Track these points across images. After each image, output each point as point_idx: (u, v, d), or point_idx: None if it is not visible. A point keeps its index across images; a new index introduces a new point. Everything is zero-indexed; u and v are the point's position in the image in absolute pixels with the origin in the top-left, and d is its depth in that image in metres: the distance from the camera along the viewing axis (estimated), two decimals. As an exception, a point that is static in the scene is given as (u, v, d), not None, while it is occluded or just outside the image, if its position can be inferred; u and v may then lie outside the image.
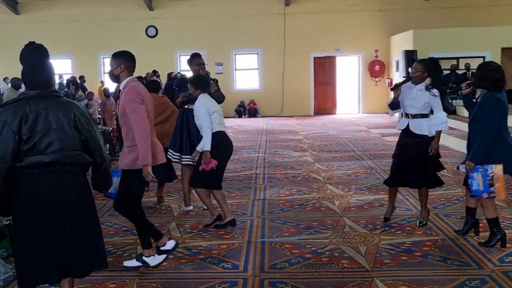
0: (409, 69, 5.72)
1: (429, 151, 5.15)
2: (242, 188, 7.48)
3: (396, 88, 5.46)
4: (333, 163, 9.31)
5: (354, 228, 5.40)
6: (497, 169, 4.50)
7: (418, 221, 5.45)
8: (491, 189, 4.53)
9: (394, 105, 5.53)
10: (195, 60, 6.11)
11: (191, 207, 6.37)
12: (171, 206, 6.55)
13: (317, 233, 5.27)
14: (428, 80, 5.39)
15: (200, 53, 6.44)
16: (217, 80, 6.53)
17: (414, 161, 5.20)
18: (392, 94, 5.62)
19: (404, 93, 5.39)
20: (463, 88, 5.08)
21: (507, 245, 4.67)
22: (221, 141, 5.42)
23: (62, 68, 19.23)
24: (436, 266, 4.31)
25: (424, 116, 5.26)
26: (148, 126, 4.15)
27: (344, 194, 6.91)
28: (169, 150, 6.07)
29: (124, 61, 4.39)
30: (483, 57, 15.66)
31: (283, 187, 7.48)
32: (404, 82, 5.58)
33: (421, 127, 5.23)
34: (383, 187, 7.21)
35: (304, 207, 6.35)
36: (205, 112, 5.33)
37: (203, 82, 5.59)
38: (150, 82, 7.68)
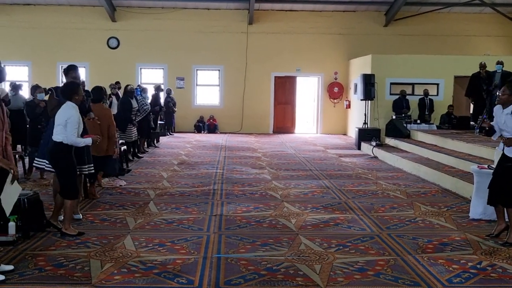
0: (497, 93, 6.24)
1: None
2: (199, 204, 7.46)
3: (482, 123, 6.08)
4: (291, 181, 9.40)
5: (310, 246, 5.46)
6: None
7: (505, 242, 5.57)
8: None
9: (492, 132, 5.95)
10: (71, 73, 6.32)
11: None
12: (126, 219, 6.47)
13: (273, 250, 5.31)
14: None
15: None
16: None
17: (507, 181, 5.47)
18: None
19: (497, 117, 5.74)
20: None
21: (454, 266, 4.84)
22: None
23: (19, 75, 18.74)
24: (388, 285, 4.41)
25: None
26: None
27: (300, 213, 6.98)
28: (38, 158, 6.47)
29: None
30: (437, 84, 16.27)
31: (240, 203, 7.50)
32: (485, 114, 6.24)
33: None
34: (338, 206, 7.36)
35: (261, 224, 6.39)
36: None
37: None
38: (93, 90, 7.77)
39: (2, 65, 4.49)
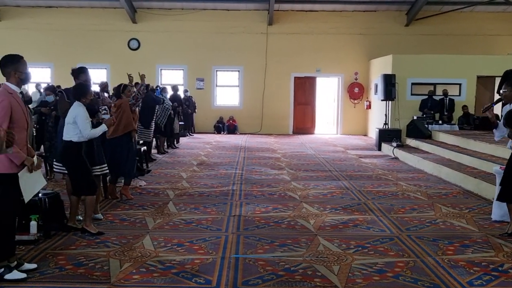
0: (500, 91, 6.23)
1: None
2: (218, 204, 7.47)
3: (487, 109, 5.87)
4: (310, 182, 9.36)
5: (328, 247, 5.43)
6: None
7: None
8: None
9: (493, 125, 5.95)
10: (82, 76, 6.37)
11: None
12: (145, 219, 6.52)
13: (291, 251, 5.29)
14: None
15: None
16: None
17: None
18: None
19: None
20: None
21: (475, 268, 4.77)
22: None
23: (41, 76, 19.04)
24: (407, 287, 4.35)
25: None
26: None
27: (319, 213, 6.95)
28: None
29: None
30: (459, 84, 16.05)
31: (259, 204, 7.50)
32: (496, 102, 6.20)
33: None
34: (357, 207, 7.31)
35: (279, 224, 6.37)
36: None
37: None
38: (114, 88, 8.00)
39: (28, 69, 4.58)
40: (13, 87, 4.42)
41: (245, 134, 19.11)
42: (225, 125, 19.54)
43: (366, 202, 7.69)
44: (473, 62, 15.99)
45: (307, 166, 11.34)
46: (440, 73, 15.97)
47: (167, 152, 13.49)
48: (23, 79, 4.50)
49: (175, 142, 14.87)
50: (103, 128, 5.87)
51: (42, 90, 12.81)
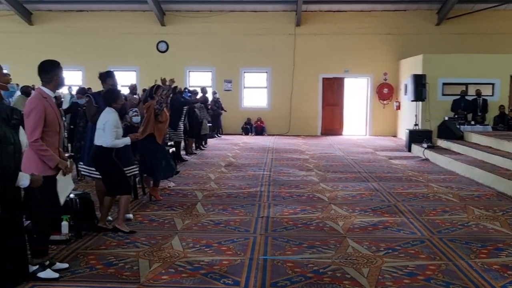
0: None
1: None
2: (246, 205, 7.46)
3: None
4: (338, 183, 9.28)
5: (357, 249, 5.36)
6: None
7: None
8: None
9: None
10: (109, 80, 6.39)
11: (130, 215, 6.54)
12: (174, 220, 6.55)
13: (320, 253, 5.24)
14: None
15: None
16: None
17: None
18: None
19: None
20: None
21: (510, 272, 4.64)
22: None
23: (73, 79, 19.38)
24: (438, 290, 4.28)
25: None
26: None
27: (348, 215, 6.87)
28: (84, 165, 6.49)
29: None
30: (492, 84, 15.72)
31: (287, 205, 7.46)
32: None
33: None
34: (387, 209, 7.21)
35: (308, 226, 6.33)
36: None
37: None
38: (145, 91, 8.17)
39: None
40: (48, 91, 4.51)
41: (272, 135, 19.09)
42: (253, 127, 19.54)
43: (396, 204, 7.58)
44: (507, 62, 15.64)
45: (336, 168, 11.25)
46: (473, 73, 15.65)
47: (195, 153, 13.56)
48: (59, 84, 4.60)
49: (203, 143, 14.95)
50: (126, 140, 5.93)
51: (73, 93, 13.25)
